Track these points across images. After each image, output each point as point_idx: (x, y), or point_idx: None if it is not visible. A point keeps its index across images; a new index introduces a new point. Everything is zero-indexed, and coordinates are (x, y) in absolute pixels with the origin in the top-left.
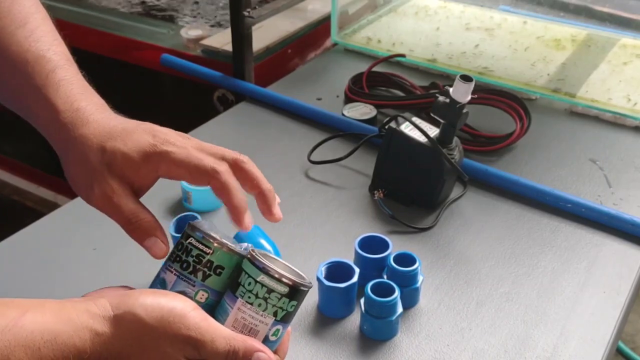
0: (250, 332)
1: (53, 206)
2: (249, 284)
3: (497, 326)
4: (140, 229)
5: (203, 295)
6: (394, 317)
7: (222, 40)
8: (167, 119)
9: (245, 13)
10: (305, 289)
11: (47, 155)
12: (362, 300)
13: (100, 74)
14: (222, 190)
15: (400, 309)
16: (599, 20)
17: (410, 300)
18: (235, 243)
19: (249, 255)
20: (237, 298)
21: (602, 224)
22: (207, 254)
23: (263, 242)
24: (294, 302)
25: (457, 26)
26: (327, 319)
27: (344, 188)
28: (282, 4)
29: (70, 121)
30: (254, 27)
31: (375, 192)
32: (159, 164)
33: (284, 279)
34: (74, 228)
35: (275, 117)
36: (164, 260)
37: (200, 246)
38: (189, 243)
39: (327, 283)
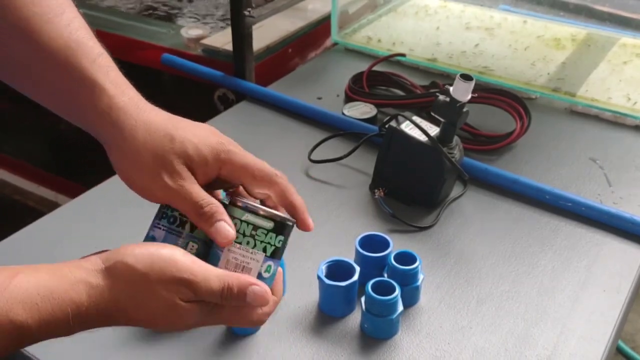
0: (243, 270)
1: (53, 206)
2: (235, 224)
3: (497, 324)
4: (210, 215)
5: (193, 246)
6: (394, 316)
7: (222, 39)
8: None
9: (246, 12)
10: (290, 223)
11: (47, 154)
12: (362, 299)
13: None
14: (284, 194)
15: (400, 308)
16: (599, 20)
17: (410, 299)
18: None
19: (231, 199)
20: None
21: (602, 223)
22: None
23: None
24: (280, 237)
25: (457, 26)
26: (327, 317)
27: (344, 187)
28: (282, 4)
29: (123, 106)
30: (254, 27)
31: (376, 190)
32: (224, 163)
33: (267, 215)
34: (75, 227)
35: (275, 116)
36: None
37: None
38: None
39: (327, 282)
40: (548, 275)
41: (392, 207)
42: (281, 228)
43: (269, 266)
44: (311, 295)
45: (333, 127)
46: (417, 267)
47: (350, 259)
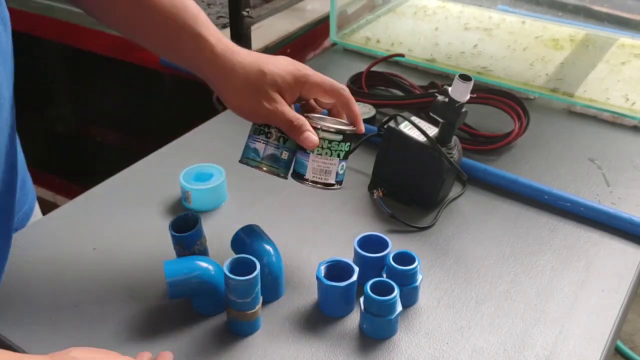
0: (326, 173)
1: (52, 206)
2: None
3: (496, 325)
4: (299, 127)
5: (285, 154)
6: (393, 316)
7: None
8: (167, 119)
9: (245, 13)
10: (351, 131)
11: (46, 154)
12: (361, 299)
13: (100, 74)
14: (347, 104)
15: (399, 308)
16: (597, 20)
17: (409, 299)
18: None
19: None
20: (309, 153)
21: (600, 223)
22: None
23: (262, 241)
24: (348, 143)
25: (455, 26)
26: (326, 317)
27: (343, 187)
28: (281, 4)
29: (222, 52)
30: (253, 27)
31: (375, 191)
32: (303, 84)
33: (336, 131)
34: (74, 228)
35: None
36: (247, 135)
37: None
38: None
39: (326, 282)
40: (547, 275)
41: (391, 208)
42: (347, 138)
43: (342, 165)
44: (310, 296)
45: None
46: (416, 268)
47: (349, 259)
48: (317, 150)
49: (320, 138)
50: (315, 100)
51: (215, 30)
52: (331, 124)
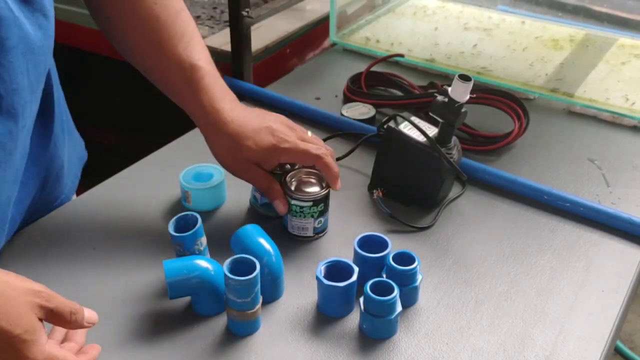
0: (303, 229)
1: None
2: (289, 205)
3: (496, 325)
4: (272, 195)
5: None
6: (393, 316)
7: (221, 40)
8: (166, 119)
9: (244, 13)
10: (322, 197)
11: None
12: (361, 299)
13: (100, 74)
14: (324, 169)
15: (399, 308)
16: (597, 21)
17: (409, 299)
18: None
19: (284, 186)
20: (288, 214)
21: (600, 223)
22: None
23: (262, 241)
24: (321, 204)
25: (455, 26)
26: (326, 318)
27: (343, 187)
28: (280, 4)
29: (213, 121)
30: (253, 27)
31: (374, 191)
32: (280, 156)
33: (306, 199)
34: (74, 228)
35: None
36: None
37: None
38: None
39: (326, 282)
40: (546, 275)
41: (391, 208)
42: (317, 202)
43: (320, 221)
44: (310, 296)
45: (331, 127)
46: (415, 268)
47: (348, 259)
48: (292, 214)
49: (291, 204)
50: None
51: (214, 97)
52: (305, 188)
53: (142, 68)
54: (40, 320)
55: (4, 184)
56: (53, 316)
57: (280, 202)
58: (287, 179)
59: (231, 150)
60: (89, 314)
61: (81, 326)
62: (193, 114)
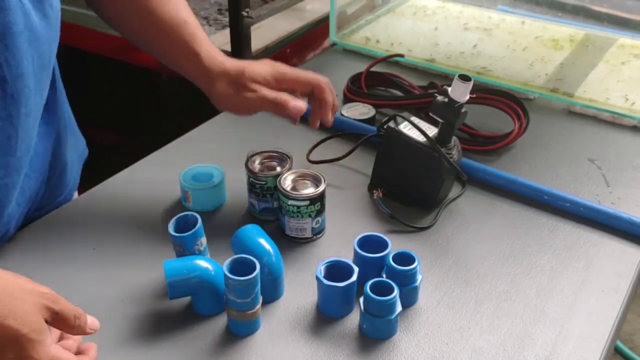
0: (301, 230)
1: None
2: (286, 206)
3: (496, 325)
4: (284, 103)
5: (275, 203)
6: (393, 316)
7: (221, 40)
8: (166, 119)
9: (244, 13)
10: (318, 195)
11: None
12: (361, 300)
13: (100, 74)
14: (319, 92)
15: (399, 308)
16: (597, 21)
17: (409, 299)
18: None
19: (279, 187)
20: (285, 216)
21: (600, 223)
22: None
23: (262, 241)
24: (317, 203)
25: (455, 26)
26: (326, 318)
27: (342, 187)
28: (281, 4)
29: (209, 65)
30: (253, 27)
31: (374, 191)
32: (281, 81)
33: (302, 198)
34: (74, 228)
35: (273, 116)
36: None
37: (258, 182)
38: (252, 180)
39: (326, 282)
40: (546, 275)
41: (391, 208)
42: (314, 200)
43: (317, 221)
44: (310, 296)
45: (331, 127)
46: (415, 268)
47: (348, 259)
48: (289, 215)
49: (288, 205)
50: (295, 92)
51: (207, 45)
52: (300, 188)
53: (135, 36)
54: (46, 321)
55: (4, 169)
56: (58, 319)
57: (295, 104)
58: (282, 180)
59: (232, 78)
60: (91, 320)
61: (83, 332)
62: (190, 63)
